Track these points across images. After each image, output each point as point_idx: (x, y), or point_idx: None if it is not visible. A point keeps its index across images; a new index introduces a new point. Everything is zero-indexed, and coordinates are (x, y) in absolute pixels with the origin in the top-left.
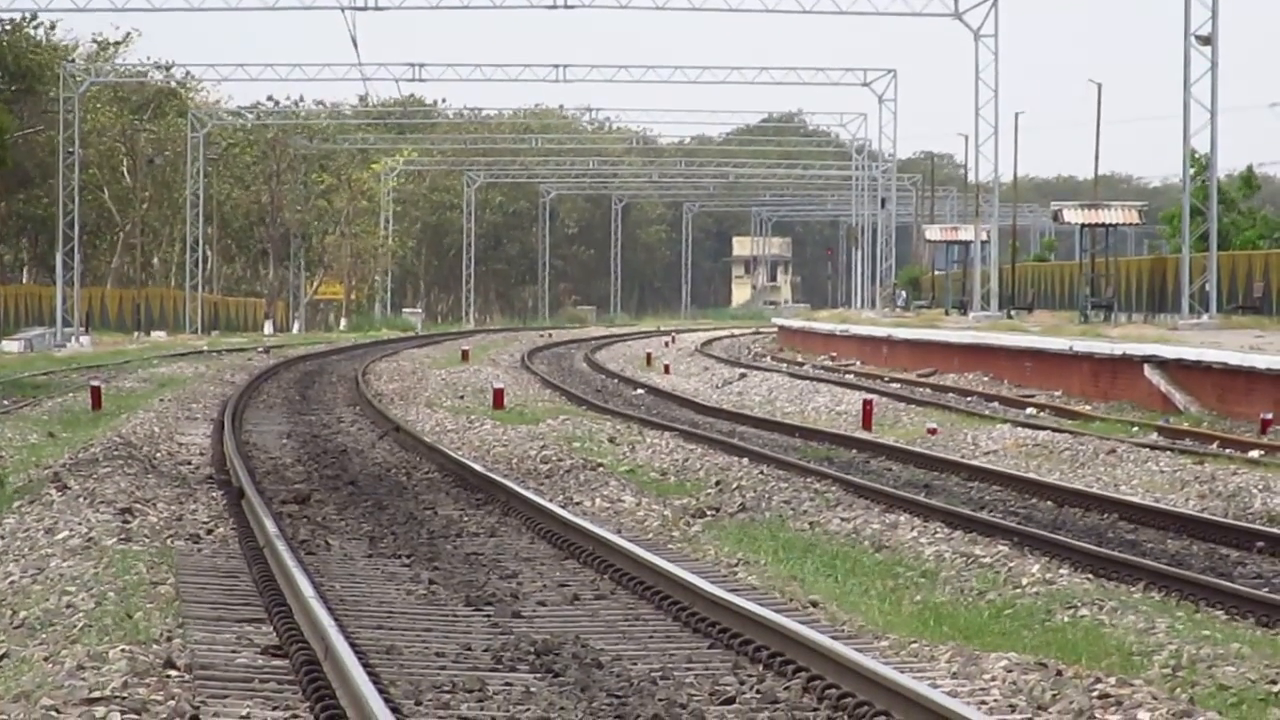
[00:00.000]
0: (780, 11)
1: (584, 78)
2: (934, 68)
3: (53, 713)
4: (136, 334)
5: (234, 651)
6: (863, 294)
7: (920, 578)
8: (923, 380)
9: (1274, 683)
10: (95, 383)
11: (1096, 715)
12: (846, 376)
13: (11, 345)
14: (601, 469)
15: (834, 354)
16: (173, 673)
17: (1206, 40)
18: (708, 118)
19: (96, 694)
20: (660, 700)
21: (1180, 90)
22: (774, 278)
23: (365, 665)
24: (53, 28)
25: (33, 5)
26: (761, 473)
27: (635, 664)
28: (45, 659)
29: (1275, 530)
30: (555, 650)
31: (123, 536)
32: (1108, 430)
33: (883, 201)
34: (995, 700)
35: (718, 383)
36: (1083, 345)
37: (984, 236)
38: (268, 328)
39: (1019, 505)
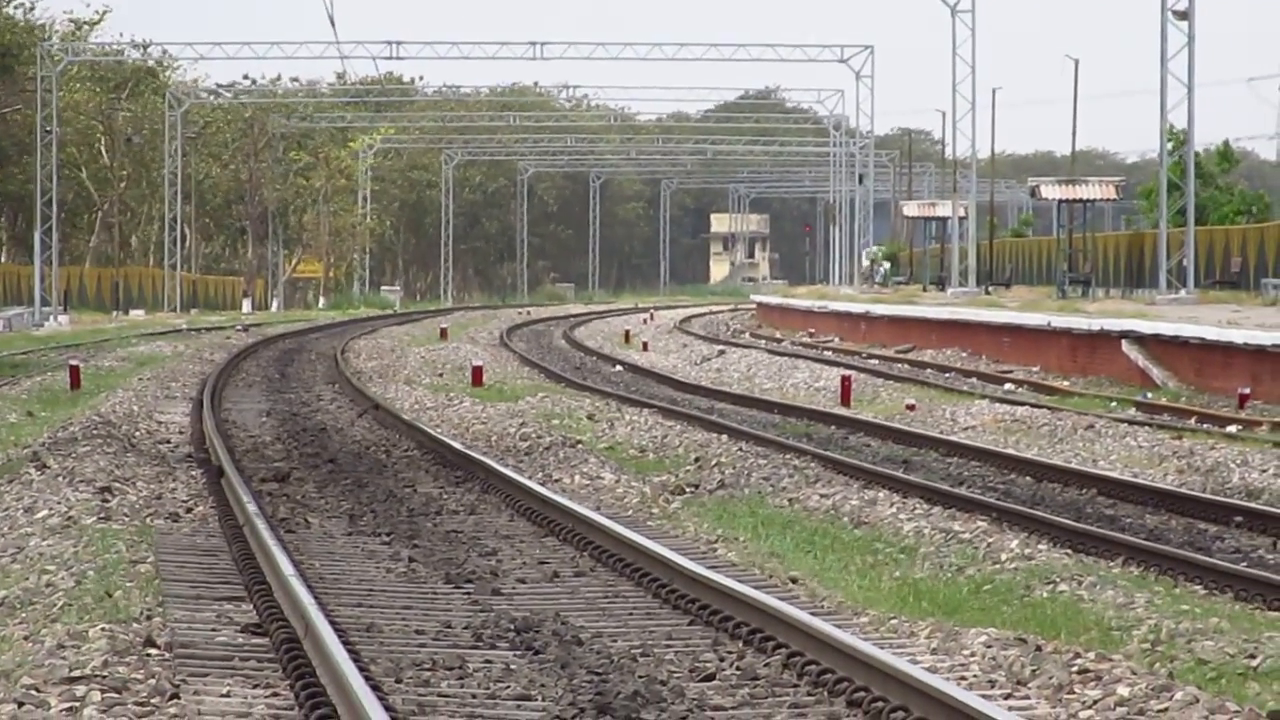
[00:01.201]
0: None
1: (561, 55)
2: (911, 44)
3: (33, 691)
4: (115, 313)
5: (214, 630)
6: (840, 270)
7: (899, 553)
8: (901, 356)
9: (1253, 657)
10: (74, 361)
11: (1076, 690)
12: (825, 353)
13: None
14: (580, 446)
15: (812, 330)
16: (153, 651)
17: (1183, 15)
18: (685, 94)
19: (77, 673)
20: (640, 677)
21: (1157, 65)
22: (752, 254)
23: (345, 643)
24: (31, 8)
25: None
26: (740, 449)
27: (615, 641)
28: (25, 638)
29: (1253, 505)
30: (535, 627)
31: (102, 515)
32: (1086, 405)
33: (860, 178)
34: (975, 675)
35: (696, 359)
36: (1061, 321)
37: (962, 212)
38: (246, 306)
39: (998, 481)
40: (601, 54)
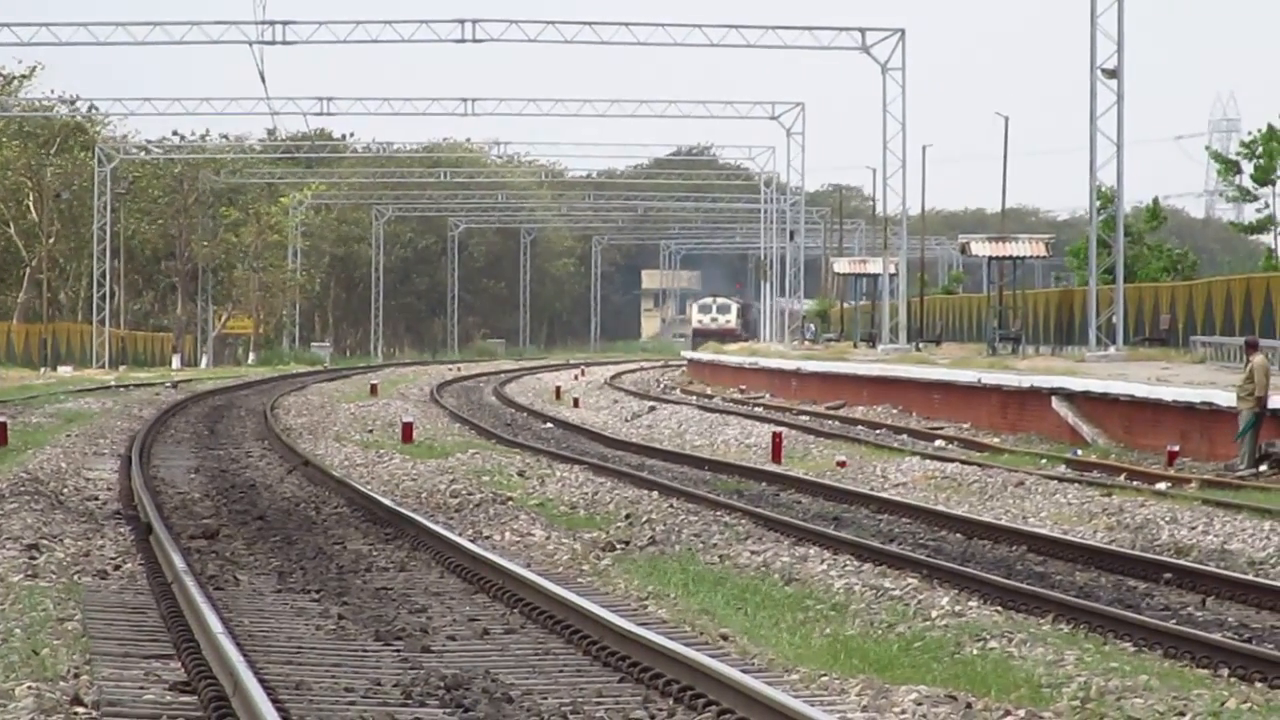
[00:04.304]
0: (688, 45)
1: (492, 111)
2: (842, 101)
3: None
4: (43, 369)
5: (142, 688)
6: (771, 326)
7: (830, 610)
8: (832, 413)
9: (1182, 715)
10: (1, 418)
11: None
12: (756, 409)
13: None
14: (511, 503)
15: (743, 387)
16: (80, 710)
17: (1112, 74)
18: (617, 151)
19: None
20: None
21: (1086, 123)
22: (683, 310)
23: (274, 701)
24: None
25: None
26: (671, 506)
27: (545, 698)
28: None
29: (1182, 562)
30: (465, 685)
31: (29, 573)
32: (1016, 462)
33: (791, 234)
34: None
35: (627, 416)
36: (991, 378)
37: (892, 269)
38: (176, 362)
39: (928, 537)
40: (533, 110)
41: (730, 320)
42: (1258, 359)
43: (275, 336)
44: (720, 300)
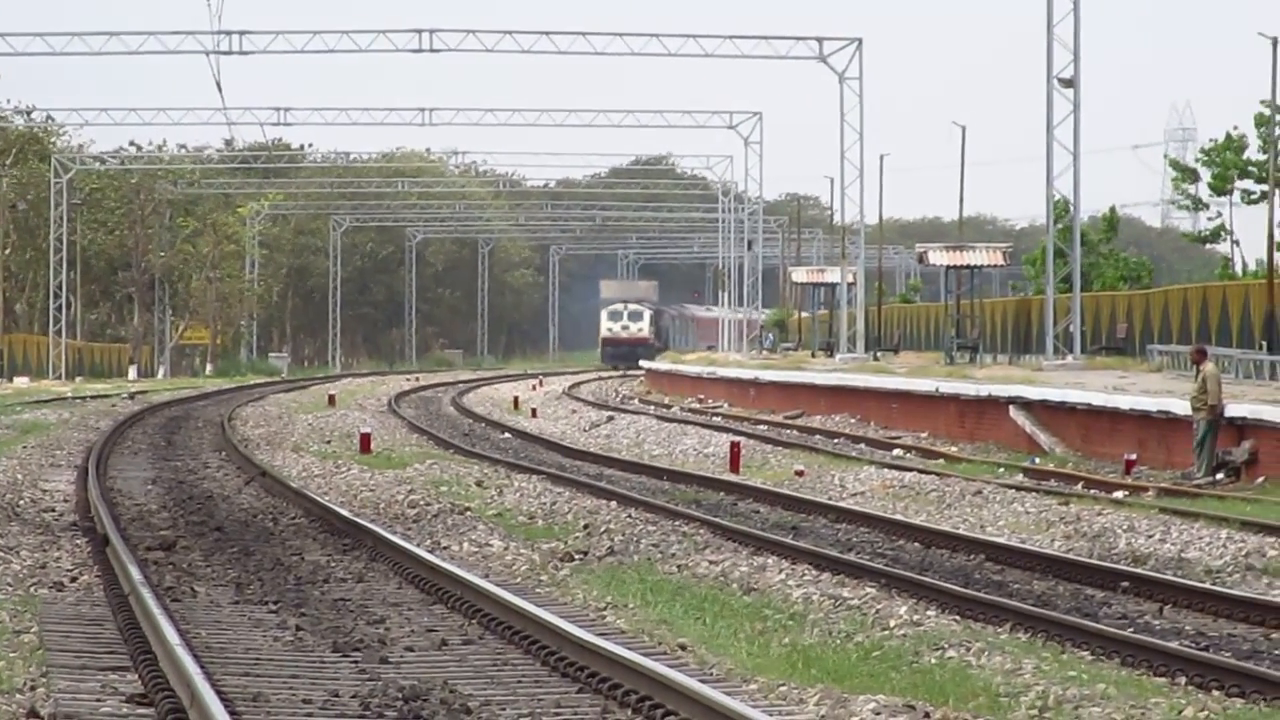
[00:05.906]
0: (646, 55)
1: (450, 121)
2: (800, 111)
3: None
4: None
5: (99, 700)
6: (729, 336)
7: (789, 620)
8: (790, 422)
9: None
10: None
11: None
12: (714, 419)
13: None
14: (469, 513)
15: (702, 396)
16: None
17: (1069, 83)
18: (575, 161)
19: None
20: None
21: (1043, 132)
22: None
23: (231, 713)
24: None
25: None
26: (630, 516)
27: (504, 709)
28: None
29: (1139, 570)
30: (423, 696)
31: None
32: (974, 471)
33: (749, 244)
34: None
35: (585, 425)
36: (949, 387)
37: (850, 278)
38: (133, 373)
39: (886, 547)
40: (490, 120)
41: (643, 329)
42: (1209, 367)
43: (233, 347)
44: (631, 306)
